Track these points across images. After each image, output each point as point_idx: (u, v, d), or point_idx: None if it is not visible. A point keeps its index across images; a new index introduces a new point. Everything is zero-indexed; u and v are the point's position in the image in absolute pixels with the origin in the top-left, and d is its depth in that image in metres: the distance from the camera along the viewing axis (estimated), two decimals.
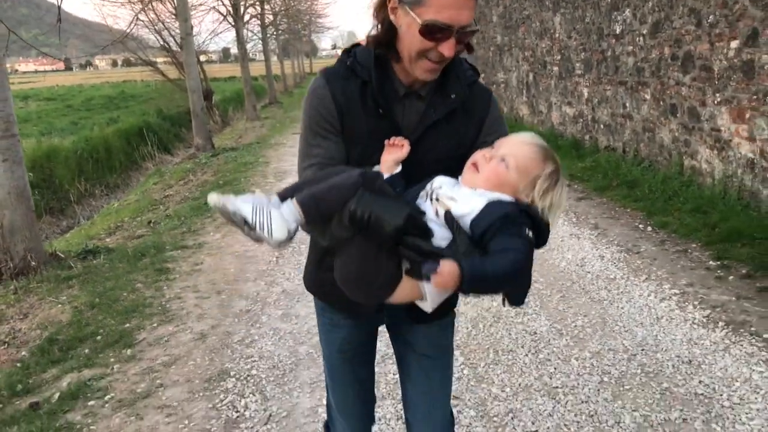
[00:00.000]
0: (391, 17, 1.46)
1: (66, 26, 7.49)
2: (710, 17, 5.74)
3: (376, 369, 3.22)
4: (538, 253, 4.70)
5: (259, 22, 28.94)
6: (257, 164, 10.94)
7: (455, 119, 1.56)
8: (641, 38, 7.13)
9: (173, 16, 19.97)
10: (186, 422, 3.01)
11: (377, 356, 3.25)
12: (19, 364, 3.79)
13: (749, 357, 3.25)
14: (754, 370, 3.11)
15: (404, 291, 1.40)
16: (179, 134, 21.91)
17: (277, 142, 14.36)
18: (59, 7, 6.99)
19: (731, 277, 4.27)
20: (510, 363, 3.38)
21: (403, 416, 1.94)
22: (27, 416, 3.15)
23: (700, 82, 6.03)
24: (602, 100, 8.42)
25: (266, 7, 28.72)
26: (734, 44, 5.43)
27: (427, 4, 1.37)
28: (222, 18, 23.84)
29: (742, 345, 3.38)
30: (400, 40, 1.47)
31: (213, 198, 1.37)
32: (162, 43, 23.01)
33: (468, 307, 4.13)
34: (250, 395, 3.22)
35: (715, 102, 5.79)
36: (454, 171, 1.48)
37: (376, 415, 2.94)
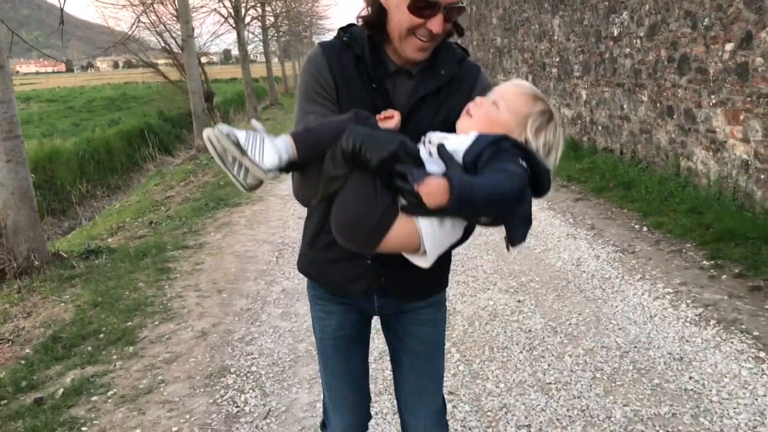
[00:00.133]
0: (382, 0, 1.53)
1: (67, 27, 7.57)
2: (705, 20, 5.80)
3: (374, 365, 3.32)
4: (534, 253, 4.78)
5: (260, 24, 29.05)
6: None
7: (444, 93, 1.61)
8: (638, 41, 7.20)
9: (174, 18, 20.06)
10: (187, 417, 3.08)
11: (375, 353, 3.35)
12: (23, 361, 3.86)
13: (739, 354, 3.31)
14: (743, 367, 3.18)
15: (400, 231, 1.38)
16: (180, 135, 22.02)
17: None
18: (62, 10, 7.06)
19: (724, 276, 4.33)
20: (505, 360, 3.45)
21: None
22: (32, 411, 3.22)
23: (695, 84, 6.10)
24: (600, 102, 8.49)
25: (267, 9, 28.82)
26: (729, 47, 5.50)
27: None
28: (223, 20, 23.93)
29: (732, 342, 3.44)
30: (390, 20, 1.53)
31: (208, 130, 1.37)
32: (163, 44, 23.10)
33: (465, 305, 4.20)
34: (250, 391, 3.29)
35: (711, 104, 5.86)
36: None
37: (373, 411, 3.02)
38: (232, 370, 3.54)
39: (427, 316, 1.81)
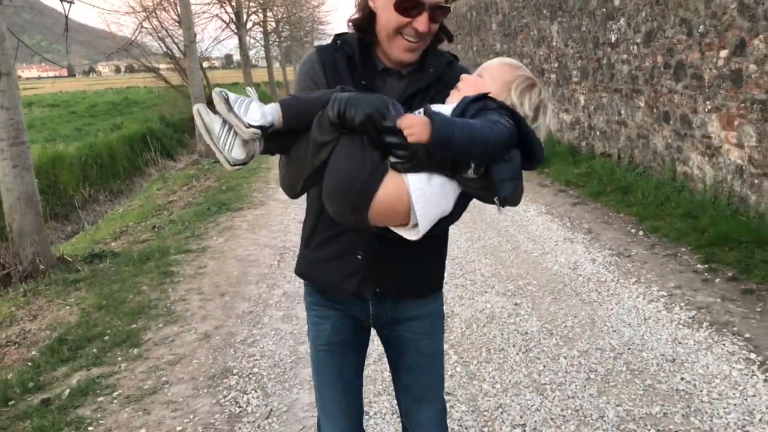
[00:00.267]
0: (370, 3, 1.60)
1: (69, 32, 7.68)
2: (700, 27, 5.89)
3: (373, 367, 3.41)
4: (532, 257, 4.86)
5: (261, 29, 29.21)
6: (259, 170, 11.09)
7: (434, 90, 1.65)
8: (635, 47, 7.29)
9: (177, 24, 20.21)
10: (191, 416, 3.16)
11: (374, 355, 3.43)
12: (30, 363, 3.95)
13: (730, 355, 3.39)
14: (734, 368, 3.25)
15: (389, 191, 1.40)
16: (182, 140, 22.14)
17: None
18: (66, 18, 7.17)
19: (717, 280, 4.41)
20: (501, 361, 3.53)
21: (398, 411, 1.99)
22: (39, 411, 3.31)
23: (691, 90, 6.18)
24: (598, 107, 8.57)
25: (269, 14, 28.99)
26: (723, 53, 5.59)
27: None
28: (225, 25, 24.08)
29: (724, 344, 3.52)
30: (378, 22, 1.60)
31: (197, 104, 1.45)
32: (165, 50, 23.26)
33: (463, 308, 4.28)
34: (252, 391, 3.37)
35: (706, 110, 5.94)
36: None
37: (372, 411, 3.10)
38: (235, 371, 3.62)
39: (423, 329, 1.82)
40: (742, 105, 5.36)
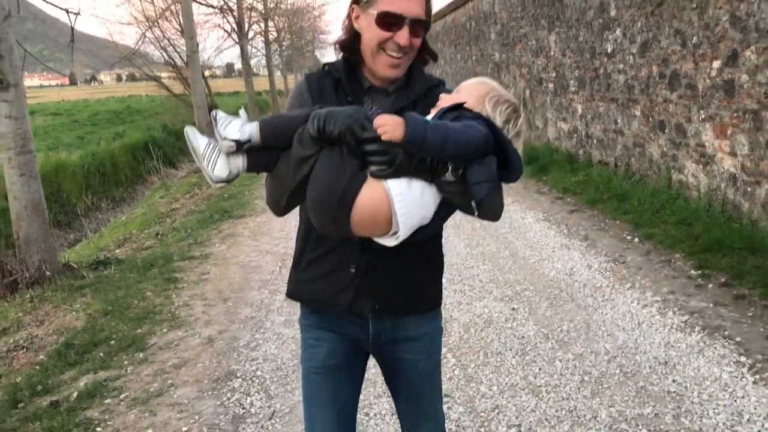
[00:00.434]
0: (355, 25, 1.70)
1: (69, 41, 7.81)
2: (694, 38, 6.02)
3: (373, 369, 3.46)
4: (529, 263, 4.93)
5: (263, 38, 29.42)
6: (261, 177, 11.16)
7: (421, 106, 1.69)
8: (631, 57, 7.42)
9: (179, 33, 20.39)
10: (196, 417, 3.26)
11: (373, 368, 3.50)
12: (38, 367, 4.04)
13: (721, 358, 3.48)
14: (724, 370, 3.35)
15: (370, 196, 1.44)
16: (184, 149, 22.24)
17: None
18: (72, 29, 7.30)
19: (710, 285, 4.51)
20: (498, 364, 3.62)
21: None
22: (48, 413, 3.40)
23: (686, 99, 6.30)
24: (595, 116, 8.69)
25: (270, 24, 29.21)
26: (716, 64, 5.71)
27: (380, 1, 1.61)
28: (227, 35, 24.27)
29: (715, 347, 3.61)
30: (363, 41, 1.67)
31: (187, 126, 1.59)
32: (167, 59, 23.45)
33: (461, 313, 4.37)
34: (256, 394, 3.46)
35: (700, 119, 6.06)
36: None
37: (372, 412, 3.19)
38: (238, 374, 3.71)
39: (423, 349, 1.82)
40: (735, 114, 5.47)
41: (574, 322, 4.11)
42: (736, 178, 5.55)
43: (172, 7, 19.17)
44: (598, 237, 5.96)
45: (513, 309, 4.40)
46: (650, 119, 7.09)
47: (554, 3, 9.74)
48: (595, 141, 8.78)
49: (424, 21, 1.63)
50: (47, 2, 6.65)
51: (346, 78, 1.70)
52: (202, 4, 20.76)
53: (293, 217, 1.78)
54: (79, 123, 30.88)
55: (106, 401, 3.50)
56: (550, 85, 10.35)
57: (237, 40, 23.49)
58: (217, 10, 22.39)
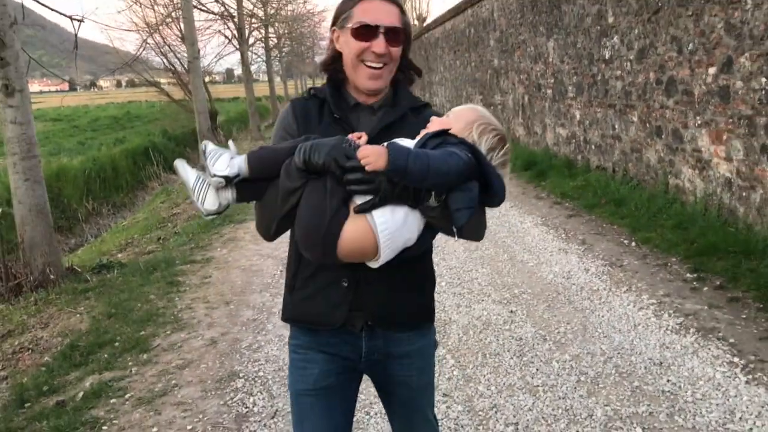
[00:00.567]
0: (336, 46, 1.76)
1: (71, 47, 7.90)
2: (690, 45, 6.11)
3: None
4: (528, 267, 5.00)
5: (263, 45, 29.55)
6: None
7: (408, 124, 1.72)
8: (628, 63, 7.51)
9: (180, 40, 20.51)
10: (200, 416, 3.32)
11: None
12: (44, 368, 4.11)
13: (714, 359, 3.55)
14: (717, 371, 3.42)
15: (355, 225, 1.48)
16: (184, 154, 22.35)
17: None
18: (76, 35, 7.39)
19: (705, 288, 4.58)
20: (496, 365, 3.69)
21: None
22: (55, 412, 3.46)
23: (682, 105, 6.39)
24: (593, 122, 8.78)
25: (270, 30, 29.35)
26: (712, 70, 5.80)
27: (354, 15, 1.68)
28: (227, 41, 24.39)
29: (709, 348, 3.68)
30: (344, 58, 1.71)
31: (177, 160, 1.66)
32: (167, 65, 23.58)
33: (460, 315, 4.44)
34: (258, 393, 3.53)
35: (696, 124, 6.14)
36: None
37: (372, 411, 3.25)
38: (241, 374, 3.78)
39: (416, 365, 1.82)
40: (730, 120, 5.56)
41: (571, 324, 4.18)
42: (732, 182, 5.63)
43: (173, 14, 19.30)
44: (596, 241, 6.03)
45: (511, 311, 4.47)
46: (647, 125, 7.18)
47: (553, 10, 9.85)
48: (593, 146, 8.87)
49: (400, 29, 1.67)
50: (52, 10, 6.74)
51: (332, 96, 1.74)
52: (203, 10, 20.89)
53: None
54: (80, 129, 31.02)
55: (112, 401, 3.56)
56: (549, 91, 10.44)
57: (237, 47, 23.60)
58: (218, 16, 22.51)
